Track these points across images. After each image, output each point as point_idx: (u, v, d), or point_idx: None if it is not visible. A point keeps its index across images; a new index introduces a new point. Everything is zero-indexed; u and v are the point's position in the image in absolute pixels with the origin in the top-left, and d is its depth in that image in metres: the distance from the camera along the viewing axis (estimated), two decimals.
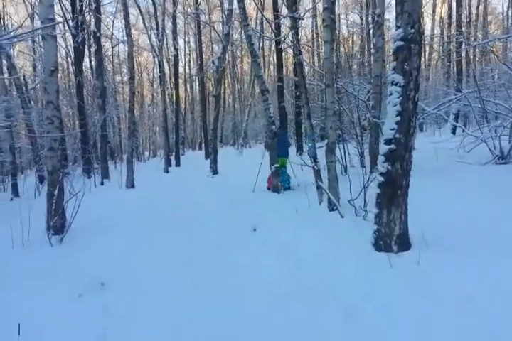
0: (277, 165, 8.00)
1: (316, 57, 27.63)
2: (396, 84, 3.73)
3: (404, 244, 3.80)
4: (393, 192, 3.72)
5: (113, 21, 28.42)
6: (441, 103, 9.47)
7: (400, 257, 3.69)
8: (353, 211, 5.33)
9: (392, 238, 3.77)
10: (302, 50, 16.24)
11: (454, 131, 17.42)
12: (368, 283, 3.33)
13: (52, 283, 3.98)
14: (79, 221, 6.58)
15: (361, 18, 20.26)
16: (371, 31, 17.96)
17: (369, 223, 4.82)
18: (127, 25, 11.26)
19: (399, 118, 3.69)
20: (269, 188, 8.47)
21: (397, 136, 3.68)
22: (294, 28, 6.12)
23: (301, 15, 6.85)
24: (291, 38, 16.72)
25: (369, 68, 13.87)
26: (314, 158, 6.18)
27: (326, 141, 5.76)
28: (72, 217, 6.26)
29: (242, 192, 9.09)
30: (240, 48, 32.89)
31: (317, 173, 6.17)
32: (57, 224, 6.21)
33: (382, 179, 3.78)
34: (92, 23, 15.52)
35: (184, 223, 6.49)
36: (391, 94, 3.79)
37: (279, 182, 8.17)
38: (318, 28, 24.66)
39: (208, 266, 4.22)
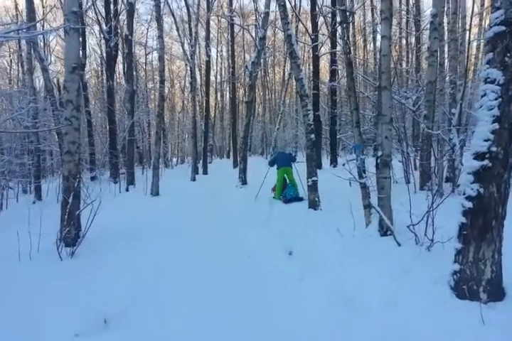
0: (315, 178, 7.15)
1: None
2: (492, 82, 2.86)
3: (496, 291, 2.88)
4: (485, 222, 2.83)
5: (147, 29, 28.62)
6: None
7: (492, 309, 2.78)
8: (412, 238, 4.42)
9: (480, 283, 2.86)
10: (337, 58, 15.47)
11: None
12: None
13: (46, 314, 3.27)
14: (96, 230, 6.00)
15: (406, 21, 19.15)
16: (414, 34, 16.96)
17: (436, 256, 3.95)
18: (159, 27, 10.80)
19: (496, 125, 2.81)
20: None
21: (493, 149, 2.80)
22: (345, 22, 5.32)
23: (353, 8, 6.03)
24: (331, 43, 16.03)
25: (415, 75, 12.86)
26: (363, 173, 5.31)
27: (379, 152, 4.88)
28: (86, 228, 5.63)
29: (274, 206, 8.31)
30: (271, 57, 32.43)
31: (365, 190, 5.28)
32: (71, 235, 5.63)
33: (469, 205, 2.89)
34: (125, 27, 15.22)
35: (209, 240, 5.75)
36: (484, 95, 2.92)
37: (282, 193, 8.82)
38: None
39: (236, 302, 3.41)
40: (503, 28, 2.84)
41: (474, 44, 21.61)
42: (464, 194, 2.96)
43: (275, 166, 9.41)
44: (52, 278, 4.27)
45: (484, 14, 21.74)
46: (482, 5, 20.65)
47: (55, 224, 5.59)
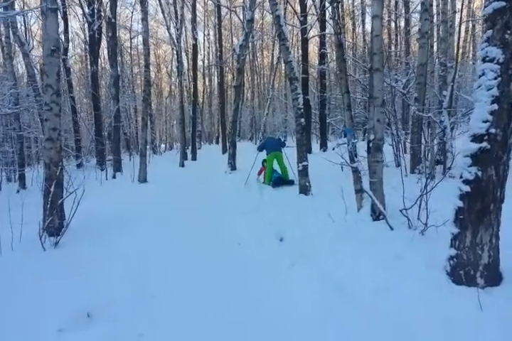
0: (306, 163, 7.04)
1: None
2: (491, 61, 2.73)
3: (493, 276, 2.81)
4: (483, 206, 2.74)
5: (132, 13, 27.89)
6: None
7: (489, 294, 2.71)
8: (405, 222, 4.36)
9: (477, 268, 2.79)
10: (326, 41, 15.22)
11: None
12: (454, 336, 2.38)
13: (28, 308, 3.13)
14: (81, 219, 5.83)
15: (395, 3, 18.83)
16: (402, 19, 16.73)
17: (430, 241, 3.89)
18: (143, 9, 10.39)
19: (495, 106, 2.69)
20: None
21: (492, 130, 2.69)
22: (335, 1, 5.12)
23: None
24: (319, 27, 15.73)
25: (404, 58, 12.69)
26: (354, 157, 5.20)
27: (371, 136, 4.76)
28: (70, 218, 5.46)
29: (263, 191, 8.20)
30: (260, 41, 31.89)
31: (357, 175, 5.19)
32: (54, 225, 5.46)
33: (467, 188, 2.80)
34: (108, 10, 14.69)
35: (199, 228, 5.63)
36: (483, 74, 2.79)
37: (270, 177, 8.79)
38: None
39: (227, 293, 3.30)
40: (503, 3, 2.69)
41: (463, 27, 21.46)
42: (461, 177, 2.86)
43: (264, 151, 9.30)
44: (35, 270, 4.12)
45: None
46: None
47: (39, 213, 5.40)
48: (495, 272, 2.82)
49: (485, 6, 2.86)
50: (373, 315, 2.73)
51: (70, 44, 29.70)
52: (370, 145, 4.80)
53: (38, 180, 11.66)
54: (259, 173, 9.77)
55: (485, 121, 2.71)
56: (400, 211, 4.31)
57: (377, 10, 4.68)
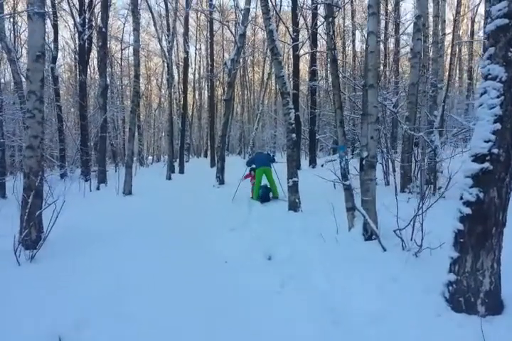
0: (296, 179, 6.90)
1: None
2: (494, 79, 2.65)
3: (494, 304, 2.66)
4: (484, 229, 2.61)
5: (124, 24, 27.90)
6: None
7: (491, 324, 2.56)
8: (398, 243, 4.21)
9: (478, 295, 2.64)
10: (317, 57, 15.33)
11: None
12: None
13: None
14: (61, 231, 5.59)
15: (385, 24, 19.17)
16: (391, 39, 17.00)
17: (425, 263, 3.74)
18: (135, 19, 10.29)
19: (498, 125, 2.59)
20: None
21: (494, 150, 2.58)
22: (330, 16, 5.08)
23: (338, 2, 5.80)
24: (311, 42, 15.89)
25: (394, 78, 12.81)
26: (346, 174, 5.08)
27: (364, 153, 4.65)
28: (48, 230, 5.19)
29: (252, 207, 8.01)
30: (251, 57, 32.19)
31: (349, 192, 5.06)
32: (31, 237, 5.19)
33: (468, 210, 2.67)
34: (100, 19, 14.60)
35: (184, 245, 5.39)
36: (484, 93, 2.70)
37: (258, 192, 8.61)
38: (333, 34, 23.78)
39: (214, 318, 3.07)
40: (506, 20, 2.63)
41: (449, 51, 21.92)
42: (461, 198, 2.73)
43: (253, 166, 9.17)
44: (6, 286, 3.85)
45: (460, 20, 22.10)
46: (458, 12, 21.00)
47: (16, 225, 5.13)
48: (496, 299, 2.68)
49: (487, 23, 2.80)
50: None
51: (60, 53, 29.59)
52: (363, 162, 4.69)
53: (19, 190, 11.30)
54: (246, 177, 9.68)
55: (487, 141, 2.61)
56: (394, 231, 4.17)
57: (373, 26, 4.64)
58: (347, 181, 4.88)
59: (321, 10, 14.63)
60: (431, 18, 10.46)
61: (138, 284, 3.85)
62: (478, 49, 24.87)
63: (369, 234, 4.61)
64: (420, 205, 4.10)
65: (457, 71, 26.43)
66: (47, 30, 24.03)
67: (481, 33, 21.11)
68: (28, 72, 5.26)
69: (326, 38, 6.16)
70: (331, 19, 4.98)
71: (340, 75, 12.85)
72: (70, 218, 7.05)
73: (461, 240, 2.71)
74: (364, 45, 26.04)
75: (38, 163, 5.41)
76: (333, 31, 5.03)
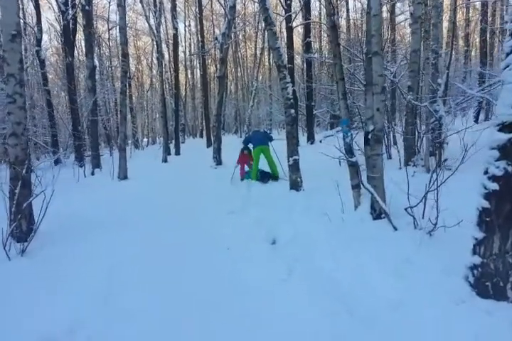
0: (297, 157, 6.60)
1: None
2: None
3: None
4: None
5: (109, 3, 26.79)
6: (487, 85, 8.01)
7: None
8: (409, 222, 3.96)
9: (507, 279, 2.40)
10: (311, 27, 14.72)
11: (476, 119, 15.98)
12: None
13: None
14: (54, 221, 5.35)
15: None
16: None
17: (440, 242, 3.50)
18: None
19: None
20: (242, 179, 8.81)
21: None
22: None
23: None
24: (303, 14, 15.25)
25: (390, 46, 12.27)
26: (350, 150, 4.78)
27: (370, 127, 4.34)
28: (38, 221, 4.94)
29: (251, 187, 7.75)
30: (242, 31, 31.21)
31: (354, 169, 4.77)
32: (22, 229, 4.95)
33: (494, 186, 2.39)
34: None
35: (183, 229, 5.18)
36: (511, 52, 2.37)
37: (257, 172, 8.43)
38: None
39: (219, 310, 2.84)
40: None
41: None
42: (486, 173, 2.45)
43: (246, 146, 8.89)
44: None
45: None
46: None
47: (4, 217, 4.87)
48: None
49: None
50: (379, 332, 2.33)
51: (46, 36, 28.63)
52: (369, 136, 4.39)
53: (7, 181, 10.98)
54: (238, 161, 9.09)
55: None
56: (405, 209, 3.91)
57: None
58: (353, 157, 4.58)
59: None
60: None
61: (134, 277, 3.63)
62: (475, 13, 24.06)
63: (377, 213, 4.36)
64: (433, 179, 3.82)
65: (452, 38, 25.70)
66: (29, 11, 23.07)
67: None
68: (4, 53, 4.86)
69: (323, 2, 5.72)
70: None
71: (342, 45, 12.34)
72: (63, 206, 6.80)
73: (487, 219, 2.45)
74: (355, 15, 25.25)
75: (24, 151, 5.09)
76: None
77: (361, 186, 4.77)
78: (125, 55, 10.09)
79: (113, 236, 4.96)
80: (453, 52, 13.51)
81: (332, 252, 3.67)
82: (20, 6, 20.32)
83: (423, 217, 3.93)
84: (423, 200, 3.88)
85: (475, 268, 2.54)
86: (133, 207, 6.69)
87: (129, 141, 27.45)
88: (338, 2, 24.55)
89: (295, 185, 6.59)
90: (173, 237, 4.80)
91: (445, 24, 17.50)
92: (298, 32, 25.80)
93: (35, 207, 5.04)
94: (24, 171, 5.02)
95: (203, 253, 4.14)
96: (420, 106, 7.02)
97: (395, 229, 3.96)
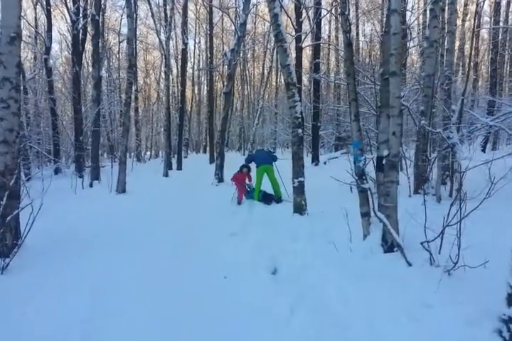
0: (302, 179, 6.29)
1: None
2: None
3: None
4: None
5: (121, 16, 27.06)
6: (501, 114, 7.74)
7: None
8: (425, 257, 3.59)
9: None
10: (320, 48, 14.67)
11: (484, 148, 15.73)
12: None
13: None
14: (42, 236, 5.11)
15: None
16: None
17: (461, 283, 3.14)
18: (128, 5, 9.62)
19: None
20: (239, 203, 8.01)
21: None
22: None
23: None
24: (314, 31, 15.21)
25: (403, 70, 12.13)
26: (362, 174, 4.47)
27: (385, 152, 4.04)
28: (24, 235, 4.63)
29: (253, 208, 7.41)
30: (251, 51, 31.48)
31: (365, 196, 4.45)
32: (7, 244, 4.64)
33: None
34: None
35: (178, 251, 4.82)
36: None
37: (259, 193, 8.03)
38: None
39: None
40: None
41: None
42: None
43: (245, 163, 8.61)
44: None
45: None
46: (465, 5, 20.22)
47: None
48: None
49: None
50: None
51: (58, 46, 28.85)
52: (383, 162, 4.08)
53: None
54: (233, 180, 8.44)
55: None
56: (421, 244, 3.56)
57: (395, 4, 4.01)
58: (366, 184, 4.26)
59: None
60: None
61: (121, 304, 3.27)
62: (483, 43, 24.14)
63: (389, 245, 4.01)
64: (454, 212, 3.48)
65: (460, 67, 25.77)
66: (42, 20, 23.27)
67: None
68: (2, 56, 4.62)
69: (340, 19, 5.53)
70: None
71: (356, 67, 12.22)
72: (55, 219, 6.49)
73: None
74: (364, 38, 25.37)
75: (14, 160, 4.81)
76: (349, 10, 4.39)
77: (371, 214, 4.45)
78: (132, 67, 9.94)
79: (101, 257, 4.63)
80: (467, 80, 13.32)
81: (340, 290, 3.30)
82: (33, 15, 20.52)
83: (439, 253, 3.59)
84: (440, 235, 3.54)
85: (510, 321, 2.18)
86: (127, 224, 6.35)
87: (132, 154, 27.28)
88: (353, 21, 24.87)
89: (299, 209, 6.24)
90: (169, 259, 4.48)
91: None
92: (306, 53, 25.95)
93: (24, 220, 4.72)
94: (13, 181, 4.72)
95: (200, 280, 3.80)
96: (433, 133, 6.74)
97: (409, 264, 3.60)
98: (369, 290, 3.18)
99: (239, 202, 8.00)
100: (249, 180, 8.57)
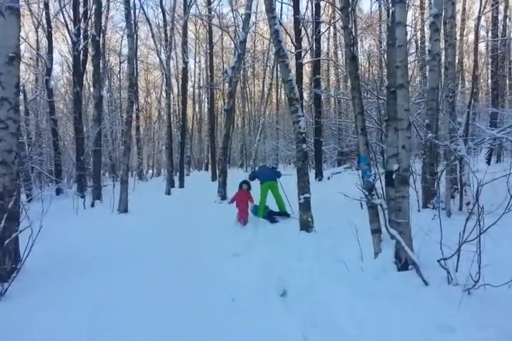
0: (308, 195, 6.14)
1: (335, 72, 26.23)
2: None
3: None
4: None
5: (122, 37, 27.49)
6: (508, 125, 7.63)
7: None
8: (442, 275, 3.41)
9: None
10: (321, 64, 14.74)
11: (488, 161, 15.59)
12: None
13: None
14: (43, 259, 5.05)
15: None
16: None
17: (482, 303, 2.96)
18: (128, 25, 9.69)
19: None
20: (240, 221, 7.55)
21: None
22: (347, 7, 4.40)
23: None
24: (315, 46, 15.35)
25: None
26: (370, 190, 4.32)
27: (395, 166, 3.91)
28: (23, 260, 4.49)
29: (258, 226, 7.23)
30: (251, 68, 31.82)
31: (374, 212, 4.30)
32: (6, 268, 4.50)
33: None
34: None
35: (182, 272, 4.64)
36: None
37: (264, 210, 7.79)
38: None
39: None
40: None
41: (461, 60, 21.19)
42: None
43: (256, 181, 8.44)
44: None
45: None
46: (463, 20, 20.40)
47: None
48: None
49: None
50: None
51: (59, 68, 29.24)
52: (393, 176, 3.95)
53: None
54: (233, 200, 7.85)
55: None
56: (438, 261, 3.39)
57: (401, 16, 3.95)
58: (377, 199, 4.11)
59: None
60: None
61: (122, 323, 3.14)
62: (481, 56, 24.33)
63: (403, 263, 3.83)
64: (469, 226, 3.32)
65: (459, 81, 25.90)
66: (43, 43, 23.63)
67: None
68: (0, 76, 4.56)
69: (342, 32, 5.49)
70: (349, 10, 4.29)
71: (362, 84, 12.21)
72: (57, 241, 6.34)
73: None
74: (363, 55, 25.59)
75: (13, 182, 4.70)
76: (352, 24, 4.35)
77: (382, 231, 4.29)
78: (132, 86, 9.94)
79: (106, 275, 4.62)
80: (472, 92, 13.29)
81: (353, 313, 3.12)
82: (35, 38, 20.78)
83: (456, 271, 3.41)
84: (458, 251, 3.37)
85: None
86: (129, 245, 6.19)
87: (134, 172, 27.21)
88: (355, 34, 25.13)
89: (306, 226, 6.07)
90: (172, 278, 4.33)
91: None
92: (305, 70, 26.16)
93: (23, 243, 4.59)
94: (12, 203, 4.60)
95: (203, 305, 3.59)
96: (439, 146, 6.62)
97: (426, 283, 3.42)
98: (383, 311, 3.01)
99: (244, 223, 7.47)
100: (251, 200, 7.85)
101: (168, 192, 15.07)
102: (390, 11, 4.86)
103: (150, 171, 35.45)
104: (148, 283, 4.23)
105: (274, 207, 8.02)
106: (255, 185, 8.27)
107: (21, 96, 18.94)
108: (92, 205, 11.93)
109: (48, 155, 19.91)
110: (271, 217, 7.65)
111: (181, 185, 18.38)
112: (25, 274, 4.53)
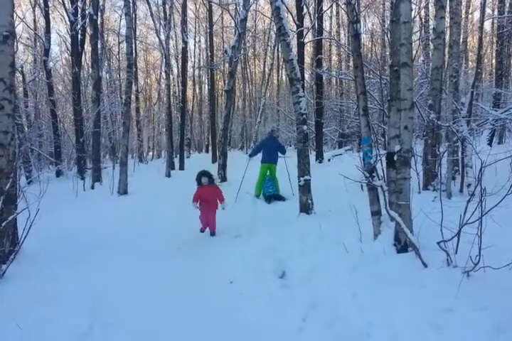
0: (308, 177, 6.10)
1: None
2: None
3: None
4: None
5: (120, 17, 26.88)
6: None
7: None
8: (441, 258, 3.39)
9: None
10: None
11: (490, 142, 15.46)
12: None
13: None
14: (43, 241, 5.07)
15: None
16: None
17: (482, 285, 2.94)
18: (126, 3, 9.44)
19: None
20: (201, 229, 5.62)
21: None
22: None
23: None
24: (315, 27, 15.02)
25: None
26: (371, 171, 4.26)
27: (396, 147, 3.84)
28: (21, 241, 4.49)
29: (257, 209, 7.23)
30: (251, 49, 31.26)
31: (375, 193, 4.25)
32: (4, 250, 4.49)
33: None
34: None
35: (180, 255, 4.65)
36: None
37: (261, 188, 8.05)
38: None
39: None
40: None
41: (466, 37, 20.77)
42: None
43: (256, 158, 8.44)
44: None
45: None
46: None
47: None
48: None
49: None
50: None
51: (57, 48, 28.79)
52: (395, 158, 3.88)
53: None
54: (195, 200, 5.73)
55: None
56: (438, 243, 3.36)
57: None
58: (378, 181, 4.06)
59: None
60: None
61: (121, 311, 3.11)
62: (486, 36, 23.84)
63: (402, 245, 3.81)
64: (470, 208, 3.28)
65: (463, 61, 25.45)
66: (41, 22, 23.14)
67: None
68: None
69: (346, 9, 5.32)
70: None
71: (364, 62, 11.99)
72: (56, 223, 6.34)
73: None
74: (366, 35, 25.09)
75: (10, 163, 4.65)
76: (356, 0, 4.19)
77: (381, 213, 4.26)
78: (131, 65, 9.75)
79: (104, 259, 4.62)
80: (476, 72, 13.03)
81: (352, 293, 3.12)
82: (32, 17, 20.35)
83: (456, 253, 3.39)
84: (458, 234, 3.34)
85: None
86: (129, 227, 6.22)
87: (134, 154, 27.13)
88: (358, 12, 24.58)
89: (306, 208, 6.05)
90: (169, 266, 4.31)
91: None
92: (307, 50, 25.70)
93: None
94: (9, 185, 4.56)
95: (205, 285, 3.64)
96: (441, 127, 6.52)
97: (425, 266, 3.40)
98: (383, 293, 3.00)
99: (212, 234, 5.58)
100: (220, 197, 5.76)
101: (169, 175, 15.03)
102: None
103: (150, 153, 35.33)
104: (147, 266, 4.25)
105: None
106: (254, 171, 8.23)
107: (20, 78, 18.74)
108: (92, 187, 11.94)
109: (47, 137, 19.82)
110: (267, 198, 7.70)
111: (181, 167, 18.32)
112: (23, 256, 4.55)
